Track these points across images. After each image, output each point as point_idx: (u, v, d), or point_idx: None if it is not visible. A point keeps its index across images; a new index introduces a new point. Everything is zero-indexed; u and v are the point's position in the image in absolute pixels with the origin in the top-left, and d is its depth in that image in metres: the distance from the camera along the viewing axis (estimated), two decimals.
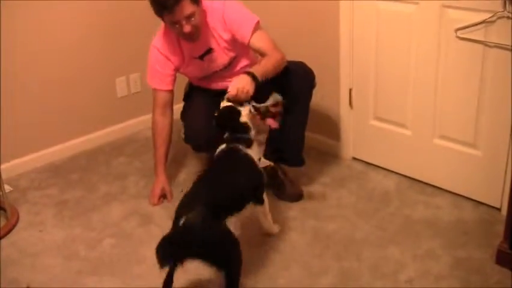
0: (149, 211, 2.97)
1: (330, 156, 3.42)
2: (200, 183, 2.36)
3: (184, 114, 3.05)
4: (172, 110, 3.02)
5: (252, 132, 2.53)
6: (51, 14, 3.38)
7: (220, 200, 2.24)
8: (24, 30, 3.29)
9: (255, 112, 2.54)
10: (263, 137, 2.92)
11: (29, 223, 2.94)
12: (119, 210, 3.01)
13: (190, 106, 3.06)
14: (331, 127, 3.41)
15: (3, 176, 3.01)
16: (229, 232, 2.22)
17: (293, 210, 2.93)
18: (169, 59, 2.90)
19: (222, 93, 2.63)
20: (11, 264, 2.63)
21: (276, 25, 3.42)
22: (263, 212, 2.60)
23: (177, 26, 2.69)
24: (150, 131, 3.07)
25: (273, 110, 2.58)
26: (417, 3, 2.80)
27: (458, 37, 2.68)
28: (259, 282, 2.44)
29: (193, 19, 2.67)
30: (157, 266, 2.50)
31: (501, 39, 2.54)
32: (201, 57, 2.90)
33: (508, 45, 2.52)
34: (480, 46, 2.63)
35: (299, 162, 3.05)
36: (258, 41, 2.78)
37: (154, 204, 3.02)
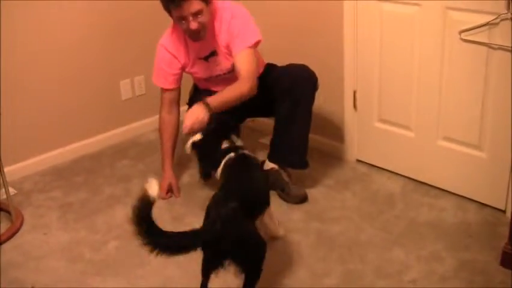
0: (153, 213, 2.97)
1: (334, 158, 3.42)
2: (228, 185, 2.37)
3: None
4: (178, 107, 3.06)
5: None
6: (53, 15, 3.38)
7: (249, 201, 2.26)
8: (25, 31, 3.29)
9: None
10: None
11: (33, 226, 2.95)
12: (123, 212, 3.01)
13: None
14: (335, 129, 3.41)
15: (8, 179, 3.02)
16: (259, 234, 2.24)
17: (297, 213, 2.93)
18: (176, 57, 2.93)
19: None
20: (16, 267, 2.63)
21: (281, 27, 3.44)
22: (269, 214, 2.60)
23: (184, 21, 2.70)
24: (154, 133, 3.08)
25: None
26: (420, 5, 2.80)
27: (462, 39, 2.68)
28: (263, 284, 2.43)
29: (200, 16, 2.69)
30: (160, 267, 2.51)
31: (505, 41, 2.54)
32: (206, 58, 2.92)
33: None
34: (484, 48, 2.62)
35: (303, 165, 3.06)
36: (240, 59, 2.77)
37: (163, 198, 3.03)
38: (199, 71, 3.00)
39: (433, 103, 2.91)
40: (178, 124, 3.04)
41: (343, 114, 3.33)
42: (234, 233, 2.09)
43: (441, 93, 2.86)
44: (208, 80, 3.04)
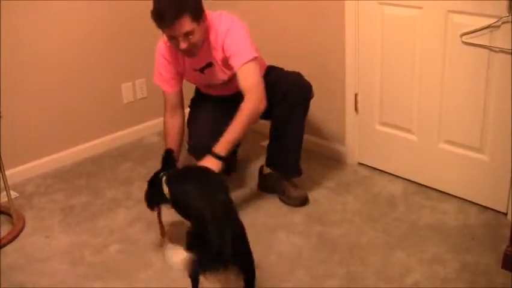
0: (155, 217, 2.97)
1: (335, 161, 3.42)
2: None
3: (189, 123, 3.05)
4: (182, 111, 3.00)
5: None
6: (54, 17, 3.40)
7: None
8: (26, 33, 3.30)
9: None
10: None
11: (35, 229, 2.95)
12: (124, 215, 3.02)
13: (195, 117, 3.06)
14: (336, 132, 3.41)
15: (9, 182, 3.02)
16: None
17: (298, 215, 2.93)
18: (172, 65, 2.91)
19: (226, 98, 2.70)
20: (17, 270, 2.64)
21: (282, 30, 3.44)
22: None
23: (174, 40, 2.67)
24: (156, 136, 3.07)
25: None
26: (421, 8, 2.81)
27: (463, 42, 2.68)
28: (264, 286, 2.44)
29: (191, 37, 2.64)
30: (162, 271, 2.51)
31: (506, 44, 2.54)
32: (202, 69, 2.89)
33: None
34: (485, 51, 2.63)
35: (296, 172, 3.05)
36: (241, 76, 2.70)
37: None
38: (196, 80, 3.01)
39: (434, 106, 2.91)
40: (183, 128, 3.00)
41: (344, 117, 3.33)
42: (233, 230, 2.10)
43: (443, 96, 2.86)
44: (207, 86, 3.04)
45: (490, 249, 2.57)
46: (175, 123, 2.97)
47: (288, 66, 3.03)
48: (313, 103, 2.96)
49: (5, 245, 2.81)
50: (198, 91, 3.18)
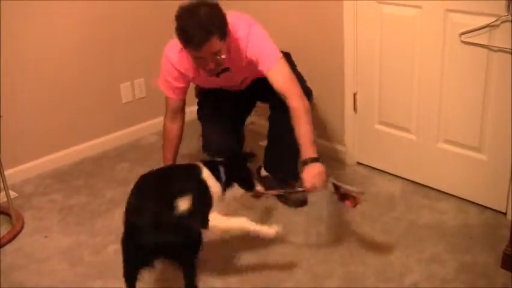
0: None
1: (334, 160, 3.41)
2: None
3: (201, 119, 3.04)
4: (183, 116, 2.95)
5: None
6: (53, 18, 3.39)
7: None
8: (25, 33, 3.30)
9: (333, 188, 2.54)
10: None
11: (34, 229, 2.95)
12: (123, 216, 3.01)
13: (208, 113, 3.05)
14: (335, 131, 3.41)
15: (8, 182, 3.02)
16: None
17: (298, 215, 2.93)
18: (184, 74, 2.81)
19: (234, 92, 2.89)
20: (17, 270, 2.64)
21: (281, 30, 3.43)
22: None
23: (201, 60, 2.58)
24: (154, 136, 3.06)
25: (354, 195, 2.52)
26: (420, 8, 2.80)
27: (462, 41, 2.68)
28: (264, 286, 2.43)
29: (218, 57, 2.55)
30: (160, 270, 2.50)
31: (505, 43, 2.54)
32: (218, 74, 2.79)
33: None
34: (484, 50, 2.63)
35: (293, 178, 3.00)
36: (273, 77, 2.67)
37: None
38: (208, 84, 2.97)
39: (433, 105, 2.91)
40: (182, 131, 2.95)
41: (343, 117, 3.33)
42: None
43: (442, 96, 2.86)
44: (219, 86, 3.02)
45: (489, 249, 2.57)
46: (174, 128, 2.93)
47: None
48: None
49: (4, 244, 2.81)
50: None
